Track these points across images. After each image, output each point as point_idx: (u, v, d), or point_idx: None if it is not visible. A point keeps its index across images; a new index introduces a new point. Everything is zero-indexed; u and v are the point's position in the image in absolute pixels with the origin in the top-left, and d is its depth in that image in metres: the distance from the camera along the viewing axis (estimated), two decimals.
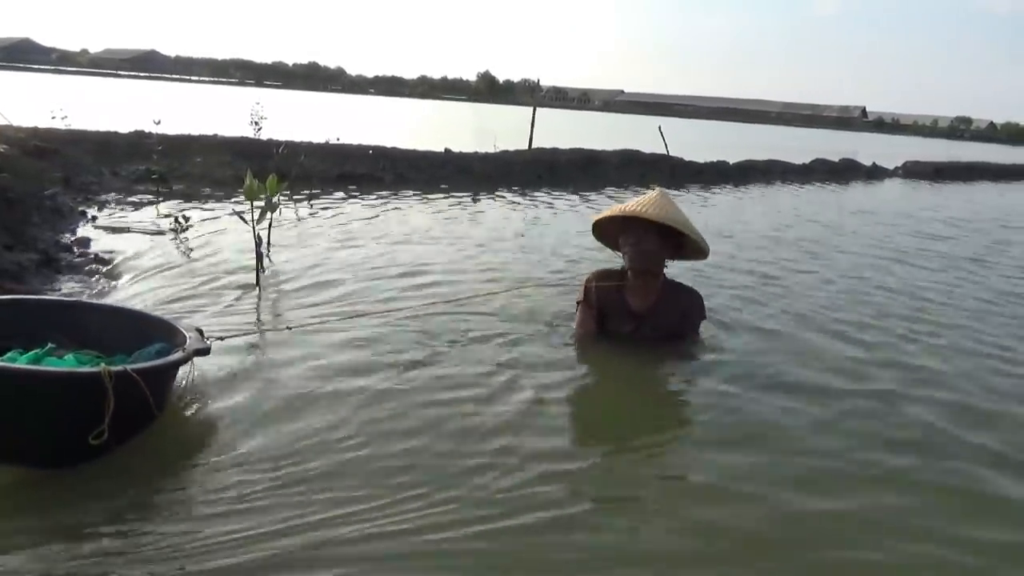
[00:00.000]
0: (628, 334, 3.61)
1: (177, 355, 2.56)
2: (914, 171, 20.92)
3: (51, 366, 2.42)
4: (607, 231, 3.71)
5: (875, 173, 19.84)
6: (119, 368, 2.26)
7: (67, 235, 5.55)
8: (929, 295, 5.47)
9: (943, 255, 7.39)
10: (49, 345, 2.56)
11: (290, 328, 3.51)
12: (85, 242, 5.34)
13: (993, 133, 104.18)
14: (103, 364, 2.31)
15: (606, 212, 3.59)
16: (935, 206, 13.07)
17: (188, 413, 2.73)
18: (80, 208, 6.59)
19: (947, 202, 14.18)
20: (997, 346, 4.27)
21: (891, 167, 20.81)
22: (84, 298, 3.94)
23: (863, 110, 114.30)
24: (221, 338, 3.00)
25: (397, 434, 2.66)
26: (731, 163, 15.93)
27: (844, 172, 18.80)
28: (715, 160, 15.55)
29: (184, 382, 2.78)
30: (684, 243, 3.55)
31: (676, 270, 3.85)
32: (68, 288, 4.24)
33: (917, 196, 15.66)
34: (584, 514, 2.25)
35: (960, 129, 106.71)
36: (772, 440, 2.82)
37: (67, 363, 2.46)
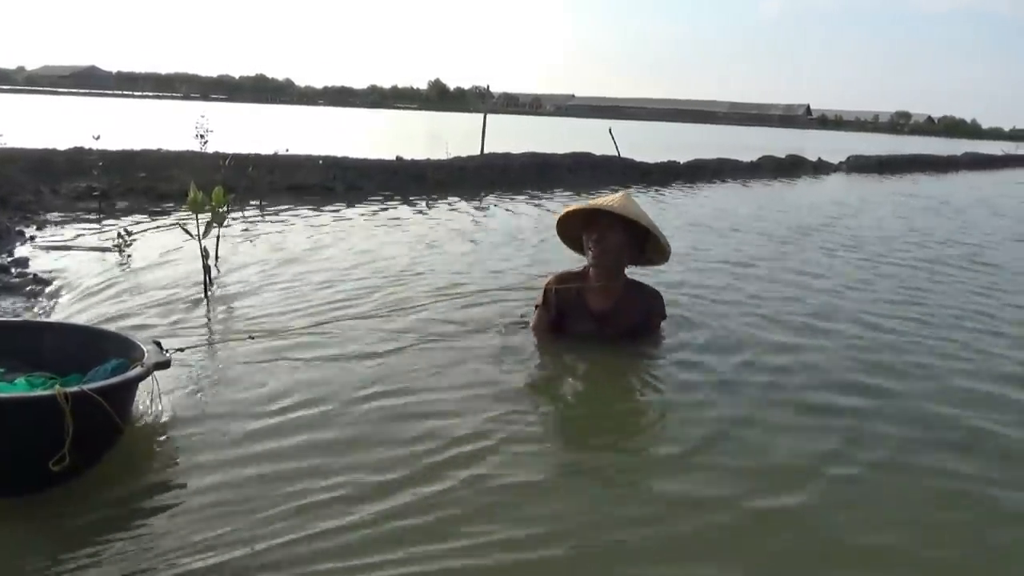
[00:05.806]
0: (590, 333, 3.62)
1: (137, 371, 2.45)
2: (856, 165, 21.57)
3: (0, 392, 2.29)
4: (571, 231, 3.72)
5: (821, 168, 20.39)
6: (76, 389, 2.14)
7: (4, 255, 5.36)
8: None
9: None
10: None
11: (252, 337, 3.47)
12: (23, 262, 5.15)
13: (931, 127, 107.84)
14: (57, 386, 2.19)
15: (573, 206, 3.59)
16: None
17: (151, 428, 2.66)
18: (18, 228, 6.37)
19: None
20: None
21: (836, 162, 21.40)
22: (29, 318, 3.81)
23: (807, 108, 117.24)
24: (181, 349, 2.94)
25: (362, 436, 2.66)
26: (681, 163, 16.16)
27: (791, 168, 19.27)
28: (665, 160, 15.76)
29: (146, 396, 2.71)
30: (647, 246, 3.59)
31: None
32: (6, 310, 4.09)
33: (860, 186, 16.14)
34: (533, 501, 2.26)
35: (900, 124, 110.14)
36: (732, 438, 2.84)
37: (18, 387, 2.35)
